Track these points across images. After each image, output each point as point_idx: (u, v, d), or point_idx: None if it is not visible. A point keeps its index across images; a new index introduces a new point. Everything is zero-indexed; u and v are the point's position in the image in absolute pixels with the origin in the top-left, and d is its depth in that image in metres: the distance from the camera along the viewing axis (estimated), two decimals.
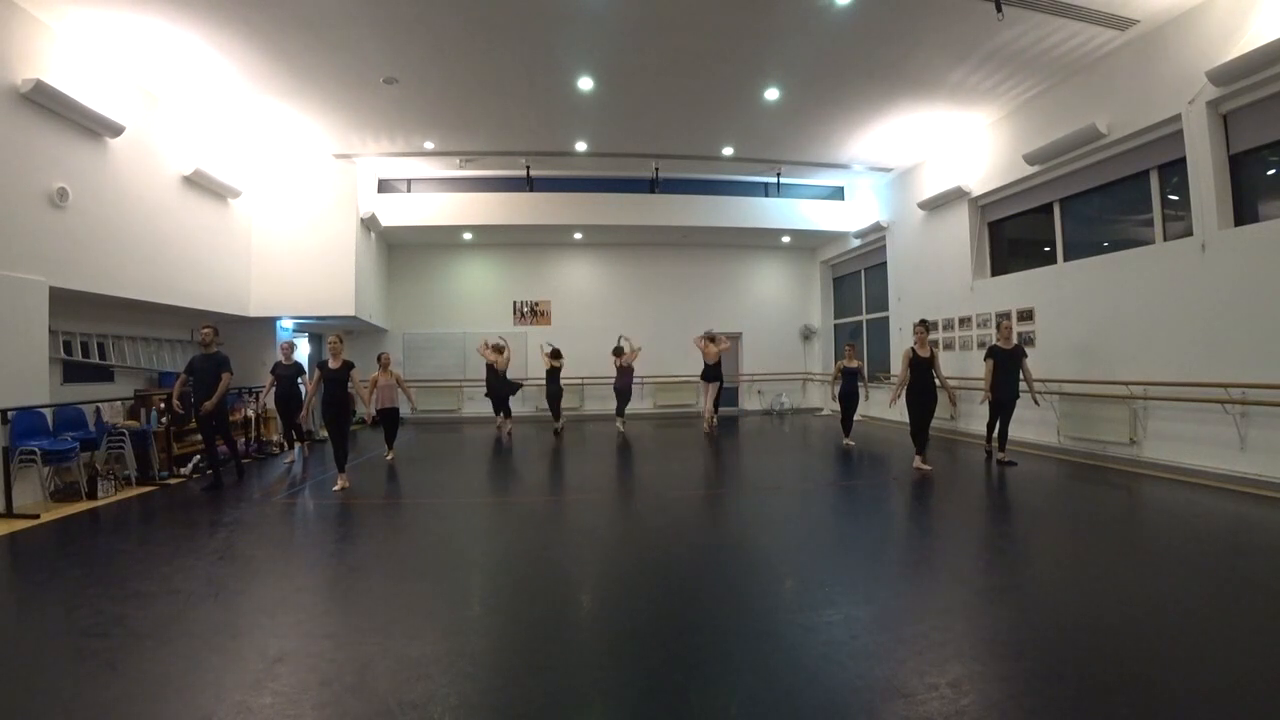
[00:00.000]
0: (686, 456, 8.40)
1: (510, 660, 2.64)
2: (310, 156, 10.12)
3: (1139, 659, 2.52)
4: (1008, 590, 3.34)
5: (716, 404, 10.41)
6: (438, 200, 12.05)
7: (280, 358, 8.27)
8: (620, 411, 10.75)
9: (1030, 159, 8.03)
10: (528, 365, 13.05)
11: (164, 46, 6.57)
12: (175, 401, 6.48)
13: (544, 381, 10.84)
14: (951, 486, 6.07)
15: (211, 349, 6.53)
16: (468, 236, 13.21)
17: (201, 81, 7.42)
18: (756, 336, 14.45)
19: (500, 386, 10.19)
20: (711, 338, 10.21)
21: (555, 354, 10.73)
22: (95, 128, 6.50)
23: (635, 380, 11.03)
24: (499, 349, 10.20)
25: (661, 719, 2.18)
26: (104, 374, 7.67)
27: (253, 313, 9.79)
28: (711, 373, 10.20)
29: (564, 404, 11.06)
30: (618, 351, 10.64)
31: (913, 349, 6.77)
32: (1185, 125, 6.23)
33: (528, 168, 10.66)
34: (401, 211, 11.88)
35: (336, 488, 6.14)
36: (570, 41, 6.87)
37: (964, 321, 9.63)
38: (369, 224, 11.12)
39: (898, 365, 9.11)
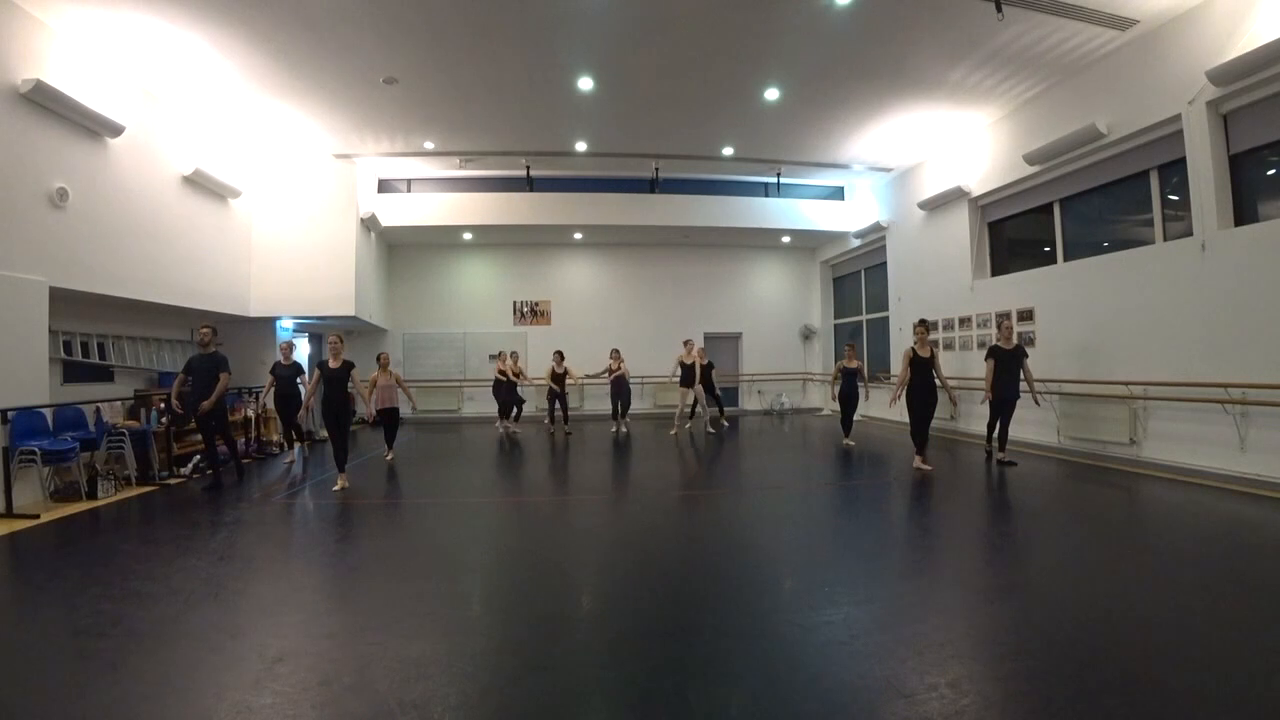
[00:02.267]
0: (686, 456, 8.40)
1: (510, 660, 2.64)
2: (310, 156, 10.12)
3: (1139, 659, 2.52)
4: (1008, 590, 3.34)
5: (694, 408, 10.62)
6: (438, 200, 12.05)
7: (279, 358, 8.27)
8: (614, 414, 10.79)
9: (1030, 159, 8.03)
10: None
11: (164, 46, 6.58)
12: (174, 401, 6.47)
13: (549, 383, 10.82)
14: (951, 486, 6.07)
15: (210, 349, 6.52)
16: (468, 236, 13.21)
17: (201, 81, 7.43)
18: (756, 336, 14.46)
19: (511, 395, 10.62)
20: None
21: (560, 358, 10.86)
22: (95, 128, 6.50)
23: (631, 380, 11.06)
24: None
25: (661, 719, 2.18)
26: (104, 374, 7.67)
27: (253, 313, 9.79)
28: (690, 377, 10.33)
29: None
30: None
31: (913, 349, 6.77)
32: (1185, 125, 6.24)
33: (528, 168, 10.66)
34: (401, 211, 11.89)
35: (336, 488, 6.14)
36: (570, 41, 6.87)
37: (964, 321, 9.63)
38: (369, 224, 11.12)
39: (898, 365, 9.12)
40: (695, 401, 10.58)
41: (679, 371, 10.40)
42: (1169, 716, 2.10)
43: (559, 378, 10.56)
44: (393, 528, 5.01)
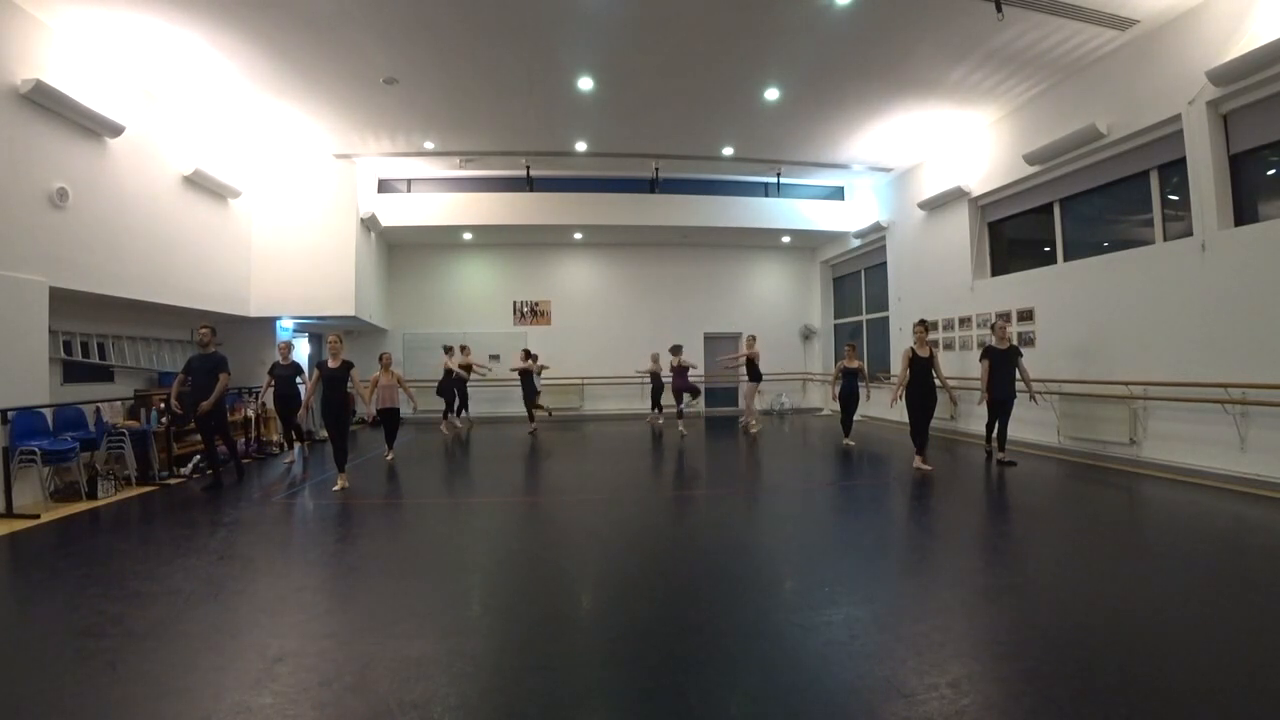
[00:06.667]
0: (687, 456, 8.39)
1: (510, 660, 2.64)
2: (310, 156, 10.12)
3: (1139, 659, 2.52)
4: (1008, 590, 3.34)
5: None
6: (438, 200, 12.05)
7: (278, 358, 8.27)
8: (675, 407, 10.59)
9: (1030, 159, 8.03)
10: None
11: (164, 46, 6.58)
12: (174, 401, 6.46)
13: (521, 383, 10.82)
14: (951, 486, 6.07)
15: (209, 349, 6.53)
16: (468, 236, 13.21)
17: (201, 81, 7.43)
18: (756, 336, 14.43)
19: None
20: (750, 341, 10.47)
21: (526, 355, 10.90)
22: (95, 128, 6.50)
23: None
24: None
25: (661, 719, 2.18)
26: (104, 374, 7.67)
27: (253, 313, 9.80)
28: (754, 372, 10.28)
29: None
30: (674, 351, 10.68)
31: (912, 349, 6.78)
32: (1185, 125, 6.24)
33: (528, 168, 10.66)
34: (401, 211, 11.89)
35: (336, 488, 6.14)
36: (570, 41, 6.87)
37: (964, 321, 9.63)
38: (369, 224, 11.12)
39: (897, 365, 9.11)
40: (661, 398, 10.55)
41: (742, 370, 10.43)
42: (1169, 717, 2.10)
43: (526, 374, 10.56)
44: (392, 528, 5.01)
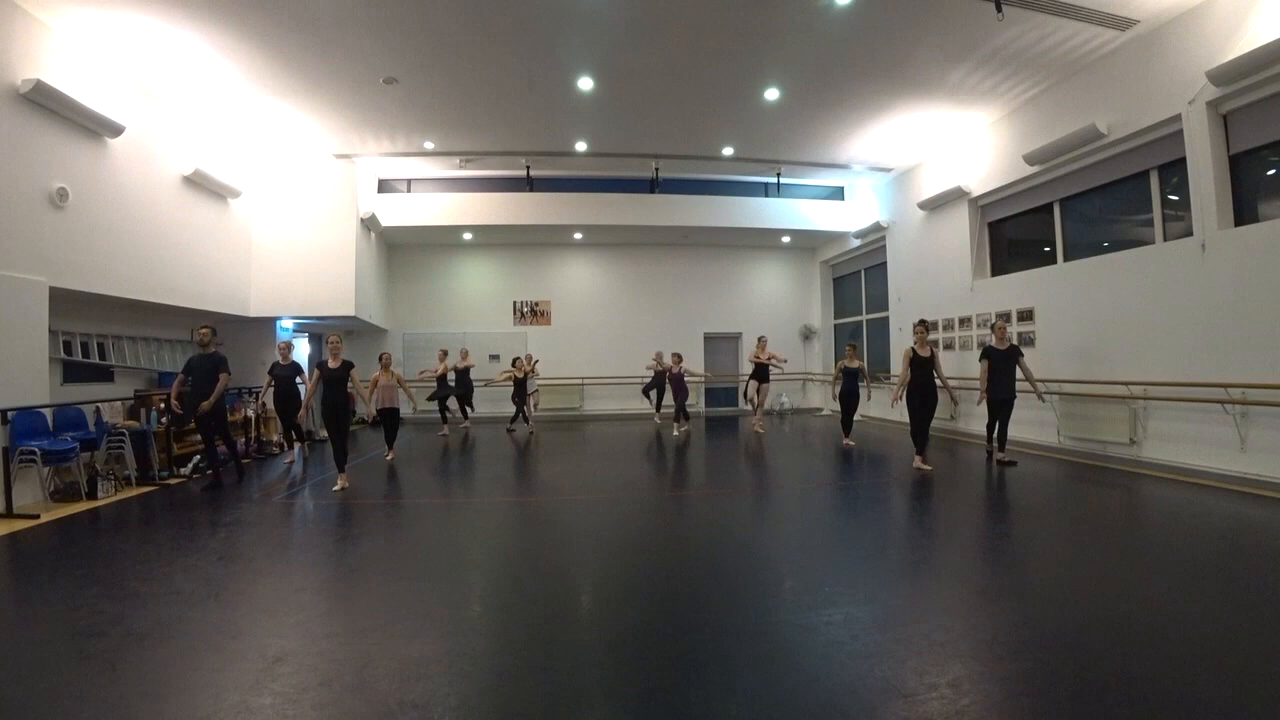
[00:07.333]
0: (687, 456, 8.39)
1: (510, 660, 2.64)
2: (310, 156, 10.12)
3: (1139, 659, 2.51)
4: (1008, 590, 3.34)
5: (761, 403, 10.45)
6: (438, 200, 12.05)
7: (278, 358, 8.27)
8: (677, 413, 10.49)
9: (1030, 159, 8.03)
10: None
11: (164, 46, 6.58)
12: (174, 401, 6.45)
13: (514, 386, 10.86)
14: (952, 486, 6.07)
15: (209, 349, 6.53)
16: (468, 236, 13.22)
17: (201, 81, 7.43)
18: (756, 336, 14.42)
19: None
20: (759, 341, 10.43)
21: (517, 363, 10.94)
22: (95, 128, 6.50)
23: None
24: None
25: (661, 719, 2.18)
26: (104, 374, 7.67)
27: (253, 313, 9.79)
28: (762, 373, 10.13)
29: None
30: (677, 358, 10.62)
31: (913, 349, 6.78)
32: (1185, 125, 6.23)
33: (528, 168, 10.67)
34: (401, 211, 11.89)
35: (336, 488, 6.14)
36: (570, 41, 6.87)
37: (964, 322, 9.63)
38: (369, 224, 11.13)
39: (898, 365, 9.11)
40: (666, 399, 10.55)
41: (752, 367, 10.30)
42: (1169, 717, 2.10)
43: (519, 381, 10.61)
44: (393, 528, 5.01)
